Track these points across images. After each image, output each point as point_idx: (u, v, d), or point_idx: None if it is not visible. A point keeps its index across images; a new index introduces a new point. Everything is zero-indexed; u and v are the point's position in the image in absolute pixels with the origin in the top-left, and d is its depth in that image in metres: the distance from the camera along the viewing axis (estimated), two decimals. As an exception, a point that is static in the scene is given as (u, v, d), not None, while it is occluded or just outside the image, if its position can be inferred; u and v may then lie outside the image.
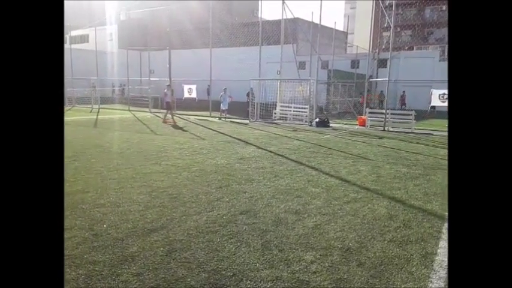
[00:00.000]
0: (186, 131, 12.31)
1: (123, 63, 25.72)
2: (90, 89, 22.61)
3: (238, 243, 3.41)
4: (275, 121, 16.59)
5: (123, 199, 4.63)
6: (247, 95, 17.66)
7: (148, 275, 2.82)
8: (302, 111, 16.44)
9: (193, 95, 18.95)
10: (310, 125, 14.91)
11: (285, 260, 3.11)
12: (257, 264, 3.03)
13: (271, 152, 8.45)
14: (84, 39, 37.73)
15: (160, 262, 3.02)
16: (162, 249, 3.26)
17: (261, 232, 3.68)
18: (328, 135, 12.00)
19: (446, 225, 4.01)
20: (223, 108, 16.79)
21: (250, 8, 41.20)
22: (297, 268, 2.97)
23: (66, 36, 35.84)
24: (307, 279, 2.81)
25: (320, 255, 3.20)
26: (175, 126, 13.71)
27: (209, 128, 13.14)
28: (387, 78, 14.79)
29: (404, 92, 22.32)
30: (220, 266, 3.00)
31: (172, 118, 15.06)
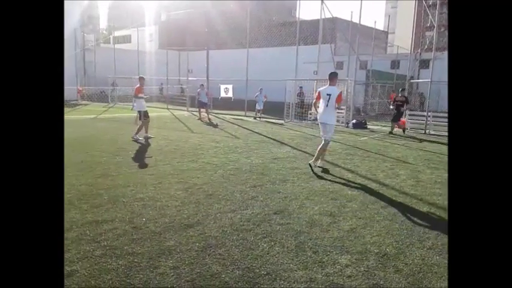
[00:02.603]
0: (222, 129, 12.49)
1: (162, 63, 26.60)
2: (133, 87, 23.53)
3: (272, 243, 3.42)
4: (310, 121, 16.42)
5: (161, 194, 4.78)
6: (298, 95, 17.64)
7: (185, 269, 2.90)
8: (339, 112, 16.13)
9: (230, 94, 19.22)
10: (347, 127, 14.62)
11: (319, 262, 3.07)
12: (291, 265, 3.02)
13: (306, 152, 8.38)
14: (126, 39, 39.38)
15: (196, 257, 3.09)
16: (197, 244, 3.34)
17: (294, 233, 3.67)
18: (366, 137, 11.71)
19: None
20: (259, 108, 16.87)
21: (287, 8, 41.05)
22: (331, 271, 2.93)
23: (110, 37, 37.63)
24: (341, 283, 2.77)
25: (355, 259, 3.13)
26: (211, 124, 13.97)
27: (244, 127, 13.25)
28: (429, 80, 14.19)
29: None
30: (254, 264, 3.02)
31: (208, 116, 15.40)
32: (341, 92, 6.72)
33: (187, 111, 20.09)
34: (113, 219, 3.86)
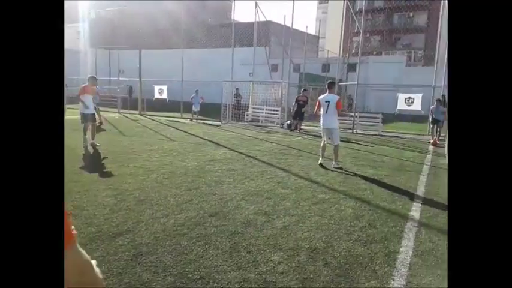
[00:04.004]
0: (156, 132, 12.09)
1: (92, 62, 24.97)
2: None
3: (207, 246, 3.39)
4: (247, 123, 16.63)
5: (88, 202, 4.48)
6: (235, 96, 17.65)
7: (113, 279, 2.75)
8: (274, 114, 16.58)
9: (164, 95, 18.68)
10: (282, 127, 15.06)
11: (253, 262, 3.12)
12: (225, 267, 3.02)
13: (242, 153, 8.47)
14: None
15: (125, 266, 2.95)
16: (127, 253, 3.19)
17: (229, 234, 3.68)
18: (299, 137, 12.17)
19: (409, 223, 4.16)
20: (195, 110, 16.65)
21: (223, 10, 41.16)
22: (265, 269, 2.99)
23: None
24: (274, 280, 2.84)
25: (287, 256, 3.24)
26: (144, 127, 13.44)
27: (180, 130, 12.97)
28: (356, 82, 15.20)
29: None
30: (187, 270, 2.97)
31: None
32: (339, 98, 7.35)
33: (119, 113, 19.12)
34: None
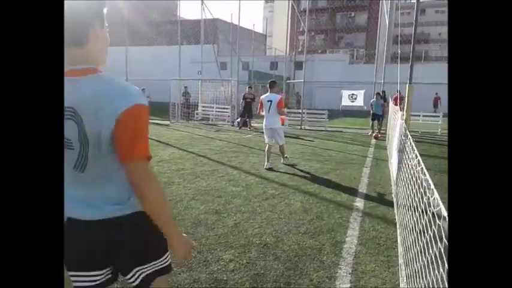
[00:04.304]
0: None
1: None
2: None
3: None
4: (197, 122, 16.41)
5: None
6: (183, 94, 17.24)
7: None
8: (224, 112, 16.53)
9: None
10: (233, 125, 15.07)
11: (204, 261, 3.09)
12: (174, 269, 2.95)
13: (192, 153, 8.34)
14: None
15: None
16: (68, 262, 3.00)
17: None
18: (250, 135, 12.26)
19: (353, 214, 4.37)
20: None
21: (169, 7, 40.13)
22: (215, 268, 2.98)
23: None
24: (225, 278, 2.83)
25: (238, 253, 3.25)
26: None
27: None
28: (303, 80, 15.63)
29: (437, 93, 22.05)
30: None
31: None
32: (281, 97, 7.13)
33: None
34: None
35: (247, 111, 14.20)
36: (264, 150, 7.20)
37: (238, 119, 15.23)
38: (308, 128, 14.69)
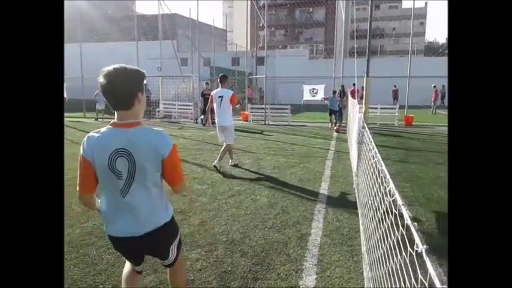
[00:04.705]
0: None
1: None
2: None
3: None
4: (159, 119, 16.03)
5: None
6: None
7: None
8: (187, 109, 16.26)
9: (63, 94, 16.91)
10: (196, 122, 14.87)
11: (170, 262, 3.03)
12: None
13: (154, 152, 8.14)
14: None
15: None
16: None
17: (143, 237, 3.51)
18: (214, 132, 12.15)
19: (317, 206, 4.48)
20: (100, 108, 15.42)
21: (125, 2, 38.65)
22: (182, 268, 2.93)
23: None
24: (192, 278, 2.80)
25: (205, 252, 3.22)
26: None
27: (84, 131, 11.91)
28: (264, 75, 15.72)
29: (395, 85, 22.53)
30: (97, 281, 2.77)
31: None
32: (233, 93, 6.63)
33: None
34: None
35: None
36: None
37: (202, 116, 15.05)
38: (272, 123, 14.82)
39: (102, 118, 15.53)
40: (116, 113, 1.72)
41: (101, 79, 1.64)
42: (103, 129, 1.73)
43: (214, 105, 6.55)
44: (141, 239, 1.81)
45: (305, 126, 14.10)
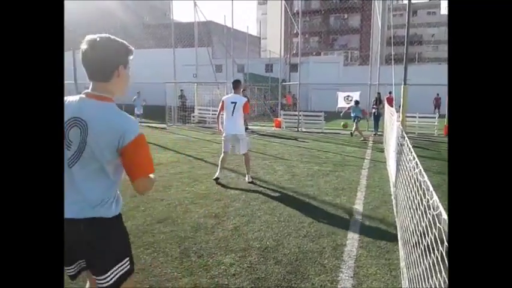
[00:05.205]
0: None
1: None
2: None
3: (155, 254, 3.28)
4: (194, 124, 16.37)
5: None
6: (179, 97, 17.19)
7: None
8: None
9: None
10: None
11: (204, 266, 3.07)
12: (175, 273, 2.94)
13: (190, 156, 8.31)
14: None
15: (68, 280, 2.74)
16: (68, 269, 2.97)
17: (179, 240, 3.58)
18: (247, 137, 12.22)
19: (353, 216, 4.38)
20: (138, 113, 16.02)
21: (161, 9, 40.05)
22: (216, 272, 2.96)
23: None
24: (226, 283, 2.82)
25: (239, 257, 3.23)
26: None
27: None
28: (298, 82, 15.67)
29: (438, 94, 22.41)
30: (135, 280, 2.83)
31: None
32: (247, 100, 6.18)
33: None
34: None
35: None
36: (218, 162, 6.16)
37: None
38: (305, 130, 14.72)
39: (140, 122, 16.09)
40: (91, 83, 1.59)
41: (83, 45, 1.53)
42: (73, 97, 1.61)
43: (225, 111, 5.98)
44: (77, 225, 1.54)
45: (339, 134, 13.88)
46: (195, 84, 18.56)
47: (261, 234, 3.75)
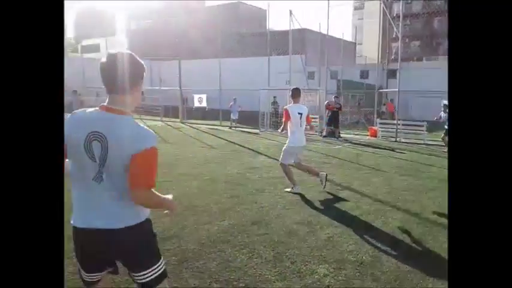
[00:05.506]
0: (197, 140, 12.36)
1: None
2: (99, 97, 22.89)
3: (250, 254, 3.38)
4: (286, 131, 16.56)
5: (135, 208, 4.63)
6: (272, 104, 17.79)
7: (161, 285, 2.80)
8: (313, 121, 16.39)
9: (204, 104, 19.13)
10: (321, 135, 14.85)
11: (298, 273, 3.06)
12: (269, 276, 2.99)
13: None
14: (95, 48, 38.42)
15: (172, 270, 3.00)
16: (174, 257, 3.26)
17: (272, 243, 3.65)
18: (340, 146, 11.93)
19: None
20: (233, 118, 16.86)
21: (257, 19, 41.57)
22: (310, 281, 2.92)
23: (78, 46, 36.55)
24: (321, 293, 2.76)
25: (333, 269, 3.14)
26: (186, 135, 13.78)
27: (220, 137, 13.17)
28: (397, 89, 14.72)
29: None
30: (232, 277, 2.97)
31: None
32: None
33: (161, 121, 19.78)
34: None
35: (334, 121, 13.94)
36: (286, 174, 5.82)
37: (327, 129, 14.96)
38: (404, 140, 13.72)
39: (235, 127, 16.92)
40: (108, 96, 1.65)
41: (105, 59, 1.61)
42: (91, 109, 1.66)
43: (293, 122, 5.65)
44: (113, 234, 1.63)
45: (443, 145, 12.61)
46: (288, 91, 18.80)
47: (357, 248, 3.60)
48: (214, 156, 8.99)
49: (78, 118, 1.64)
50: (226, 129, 16.70)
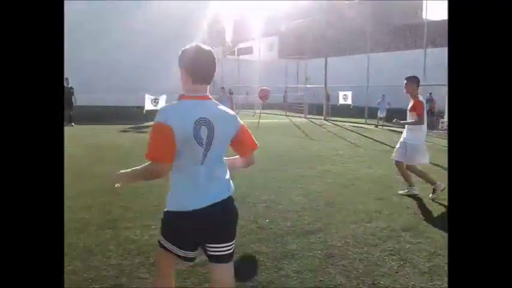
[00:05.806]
0: (341, 137, 12.21)
1: (281, 72, 27.57)
2: (250, 95, 24.98)
3: (401, 262, 3.14)
4: (442, 131, 14.76)
5: (282, 198, 4.88)
6: (427, 101, 16.37)
7: (308, 274, 2.88)
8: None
9: (349, 101, 18.72)
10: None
11: None
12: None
13: (437, 165, 7.52)
14: (248, 50, 41.99)
15: (318, 265, 3.05)
16: (319, 252, 3.29)
17: (427, 254, 3.30)
18: None
19: None
20: (381, 116, 15.94)
21: (412, 8, 37.90)
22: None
23: (235, 49, 40.65)
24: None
25: None
26: (329, 132, 13.76)
27: (364, 136, 12.68)
28: None
29: None
30: (381, 282, 2.82)
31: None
32: None
33: (305, 118, 20.28)
34: (241, 218, 4.09)
35: None
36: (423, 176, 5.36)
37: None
38: None
39: (382, 125, 15.97)
40: (196, 86, 1.77)
41: (200, 54, 1.75)
42: (183, 101, 1.80)
43: (424, 116, 5.58)
44: (226, 203, 1.83)
45: None
46: (446, 86, 16.61)
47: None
48: (358, 154, 8.70)
49: (181, 109, 1.75)
50: (372, 127, 15.92)
